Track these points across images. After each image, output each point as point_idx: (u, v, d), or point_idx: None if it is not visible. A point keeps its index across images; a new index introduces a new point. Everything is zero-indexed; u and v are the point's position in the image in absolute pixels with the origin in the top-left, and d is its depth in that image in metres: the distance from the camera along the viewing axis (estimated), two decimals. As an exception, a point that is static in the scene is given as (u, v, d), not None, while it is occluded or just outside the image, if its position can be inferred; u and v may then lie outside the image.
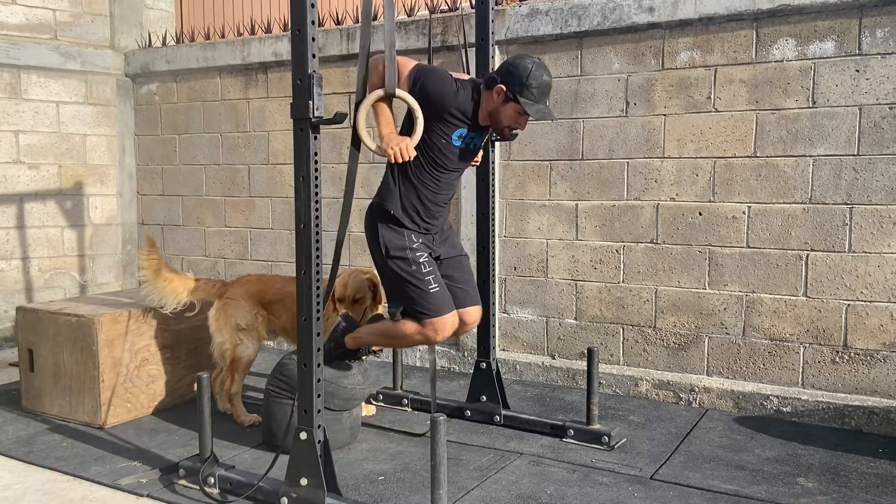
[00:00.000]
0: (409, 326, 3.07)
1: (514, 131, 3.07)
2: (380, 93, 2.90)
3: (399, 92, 2.91)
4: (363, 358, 3.40)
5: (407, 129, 3.03)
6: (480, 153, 3.42)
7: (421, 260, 3.04)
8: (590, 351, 3.45)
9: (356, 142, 2.88)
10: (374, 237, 3.11)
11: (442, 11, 4.68)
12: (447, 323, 3.06)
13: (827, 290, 3.68)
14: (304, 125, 2.60)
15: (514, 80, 2.93)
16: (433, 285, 3.03)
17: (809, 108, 3.66)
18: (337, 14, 5.16)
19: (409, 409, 3.92)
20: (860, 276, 3.60)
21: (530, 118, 3.00)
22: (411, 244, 3.06)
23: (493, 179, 3.74)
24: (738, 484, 2.98)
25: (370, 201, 3.17)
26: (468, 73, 3.40)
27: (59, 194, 5.67)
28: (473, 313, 3.29)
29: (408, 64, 2.99)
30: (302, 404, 2.70)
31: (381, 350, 3.54)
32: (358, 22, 5.03)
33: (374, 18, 4.48)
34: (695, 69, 3.90)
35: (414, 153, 2.94)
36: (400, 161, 2.92)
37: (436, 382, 3.55)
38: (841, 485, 2.98)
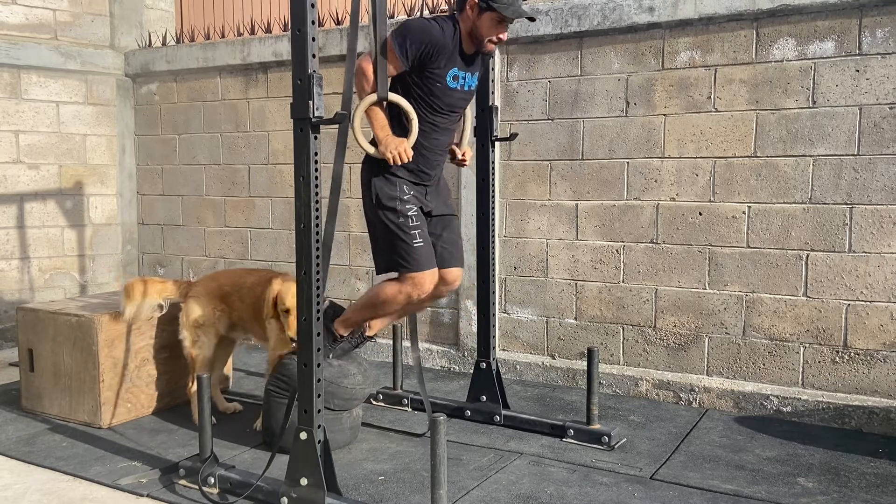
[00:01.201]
0: (390, 287, 3.12)
1: (496, 44, 3.12)
2: (372, 98, 2.94)
3: (392, 96, 2.95)
4: (359, 346, 3.41)
5: (398, 125, 3.06)
6: (470, 151, 3.42)
7: (409, 213, 3.08)
8: (590, 351, 3.45)
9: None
10: (367, 187, 3.14)
11: (442, 11, 4.68)
12: (426, 279, 3.10)
13: (827, 290, 3.68)
14: (304, 125, 2.60)
15: None
16: (418, 240, 3.07)
17: (809, 108, 3.66)
18: (337, 14, 5.16)
19: (409, 409, 3.92)
20: (860, 276, 3.60)
21: (509, 20, 3.04)
22: (402, 195, 3.08)
23: (493, 179, 3.74)
24: (738, 484, 2.98)
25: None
26: None
27: (59, 194, 5.67)
28: (455, 273, 3.34)
29: (391, 50, 2.99)
30: (302, 404, 2.70)
31: (375, 336, 3.51)
32: (361, 21, 5.03)
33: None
34: (695, 69, 3.90)
35: (411, 154, 2.96)
36: (398, 164, 2.94)
37: (424, 381, 3.54)
38: (841, 485, 2.98)
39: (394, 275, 3.17)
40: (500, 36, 3.08)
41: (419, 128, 3.06)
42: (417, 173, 3.15)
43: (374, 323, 3.40)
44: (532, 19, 3.18)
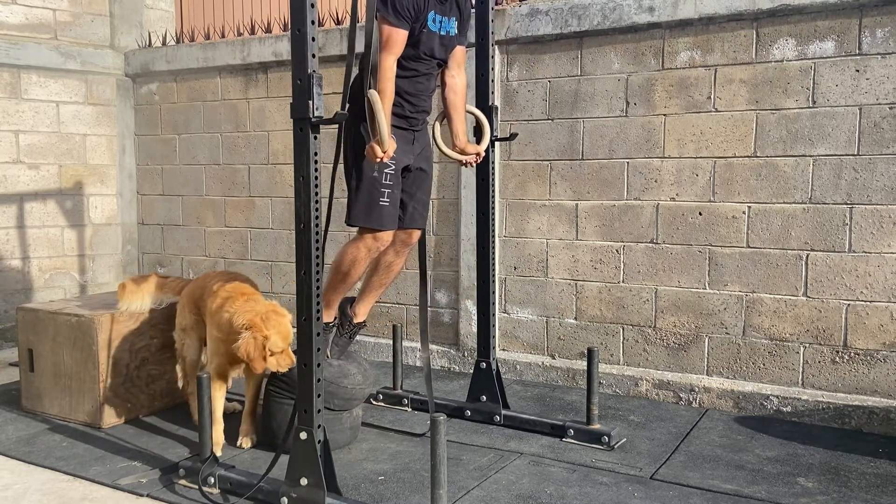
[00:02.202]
0: (351, 248, 3.24)
1: None
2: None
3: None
4: (353, 336, 3.43)
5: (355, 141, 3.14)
6: (482, 151, 3.45)
7: (385, 171, 3.15)
8: (590, 351, 3.45)
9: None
10: (352, 132, 3.16)
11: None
12: (384, 239, 3.23)
13: (827, 290, 3.68)
14: (304, 125, 2.60)
15: None
16: (385, 199, 3.16)
17: (809, 107, 3.66)
18: (337, 14, 5.16)
19: (409, 409, 3.92)
20: (860, 276, 3.60)
21: None
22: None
23: (493, 179, 3.74)
24: (738, 484, 2.98)
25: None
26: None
27: (59, 194, 5.67)
28: (416, 235, 3.45)
29: (385, 36, 3.01)
30: (302, 404, 2.70)
31: (365, 322, 3.51)
32: (358, 21, 5.04)
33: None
34: (695, 69, 3.90)
35: (394, 147, 2.98)
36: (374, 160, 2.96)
37: (431, 381, 3.55)
38: (841, 485, 2.98)
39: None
40: None
41: (403, 75, 3.13)
42: (405, 118, 3.23)
43: (358, 308, 3.46)
44: None
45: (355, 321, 3.46)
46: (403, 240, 3.42)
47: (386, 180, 3.16)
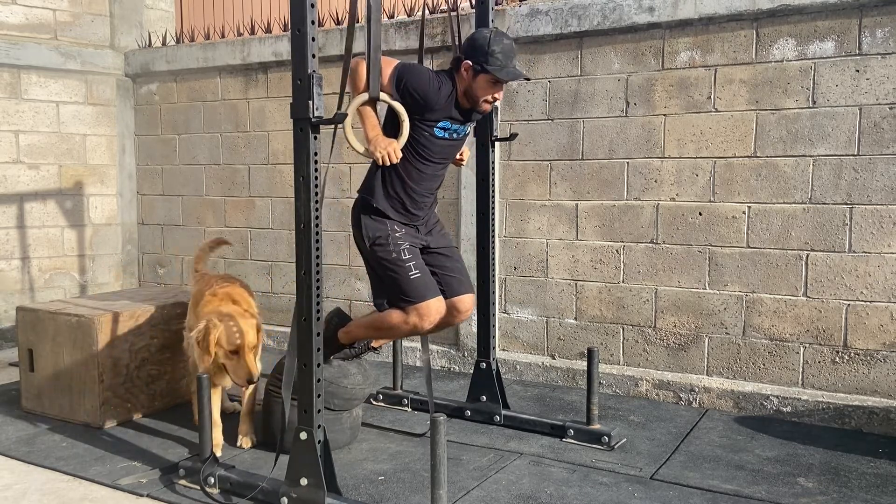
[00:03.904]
0: (395, 316, 3.09)
1: (492, 103, 3.11)
2: (364, 97, 2.91)
3: (383, 96, 2.92)
4: (361, 355, 3.39)
5: (391, 126, 3.04)
6: (467, 151, 3.42)
7: (402, 247, 3.08)
8: (590, 351, 3.45)
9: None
10: (359, 228, 3.15)
11: (442, 11, 4.68)
12: (431, 308, 3.06)
13: (827, 290, 3.68)
14: (304, 125, 2.60)
15: (478, 52, 2.99)
16: (414, 272, 3.05)
17: (809, 108, 3.66)
18: (337, 14, 5.16)
19: (409, 409, 3.92)
20: (860, 276, 3.60)
21: (504, 82, 3.05)
22: (394, 232, 3.09)
23: (493, 179, 3.74)
24: (738, 484, 2.98)
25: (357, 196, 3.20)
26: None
27: (59, 194, 5.67)
28: (467, 301, 3.31)
29: (389, 64, 2.99)
30: (302, 404, 2.70)
31: (381, 348, 3.53)
32: (359, 22, 5.04)
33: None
34: (695, 69, 3.90)
35: (400, 155, 2.96)
36: (388, 164, 2.94)
37: (432, 382, 3.54)
38: (841, 485, 2.98)
39: None
40: (496, 95, 3.09)
41: (407, 172, 3.07)
42: (406, 214, 3.15)
43: (379, 340, 3.40)
44: (527, 79, 3.20)
45: (372, 345, 3.39)
46: (455, 307, 3.26)
47: (405, 255, 3.06)
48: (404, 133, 2.97)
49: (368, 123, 2.98)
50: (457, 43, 3.49)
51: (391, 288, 3.09)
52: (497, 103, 3.22)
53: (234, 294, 3.41)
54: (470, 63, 2.99)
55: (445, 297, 3.19)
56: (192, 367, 3.58)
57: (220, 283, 3.50)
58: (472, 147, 3.53)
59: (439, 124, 3.07)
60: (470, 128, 3.25)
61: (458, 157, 3.35)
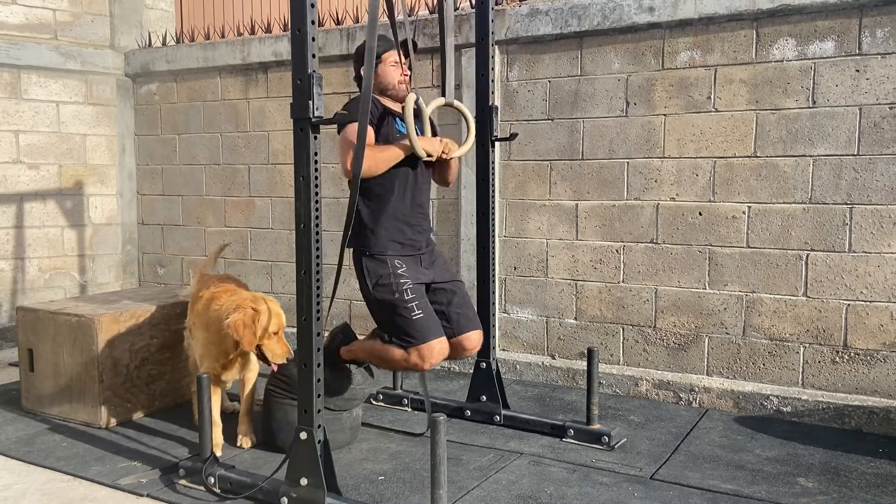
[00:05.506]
0: (397, 353, 3.07)
1: (405, 82, 3.22)
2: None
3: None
4: (361, 366, 3.39)
5: (367, 196, 3.13)
6: (455, 164, 3.35)
7: (404, 287, 3.06)
8: (590, 351, 3.45)
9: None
10: (360, 270, 3.17)
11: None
12: (434, 350, 3.03)
13: (827, 290, 3.68)
14: (304, 125, 2.60)
15: (358, 56, 3.23)
16: (416, 311, 3.03)
17: (809, 108, 3.66)
18: (337, 14, 5.16)
19: (409, 409, 3.92)
20: (860, 276, 3.60)
21: (403, 62, 3.19)
22: (395, 270, 3.09)
23: (493, 179, 3.73)
24: (738, 484, 2.98)
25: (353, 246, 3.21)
26: (444, 76, 3.31)
27: (59, 194, 5.67)
28: (474, 338, 3.29)
29: (352, 129, 2.91)
30: (302, 404, 2.70)
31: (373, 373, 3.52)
32: (358, 22, 5.04)
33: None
34: (695, 69, 3.90)
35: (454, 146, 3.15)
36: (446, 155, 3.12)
37: (426, 382, 3.53)
38: (841, 485, 2.98)
39: None
40: (405, 74, 3.21)
41: (388, 197, 3.12)
42: (405, 244, 3.16)
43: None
44: (415, 44, 3.31)
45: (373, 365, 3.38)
46: (462, 345, 3.25)
47: (408, 296, 3.05)
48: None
49: (393, 145, 3.08)
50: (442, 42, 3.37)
51: (393, 328, 3.08)
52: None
53: (229, 288, 3.40)
54: (361, 65, 3.13)
55: (452, 336, 3.18)
56: (192, 366, 3.58)
57: (219, 282, 3.50)
58: (471, 147, 3.48)
59: (395, 125, 3.17)
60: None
61: (441, 151, 3.14)
